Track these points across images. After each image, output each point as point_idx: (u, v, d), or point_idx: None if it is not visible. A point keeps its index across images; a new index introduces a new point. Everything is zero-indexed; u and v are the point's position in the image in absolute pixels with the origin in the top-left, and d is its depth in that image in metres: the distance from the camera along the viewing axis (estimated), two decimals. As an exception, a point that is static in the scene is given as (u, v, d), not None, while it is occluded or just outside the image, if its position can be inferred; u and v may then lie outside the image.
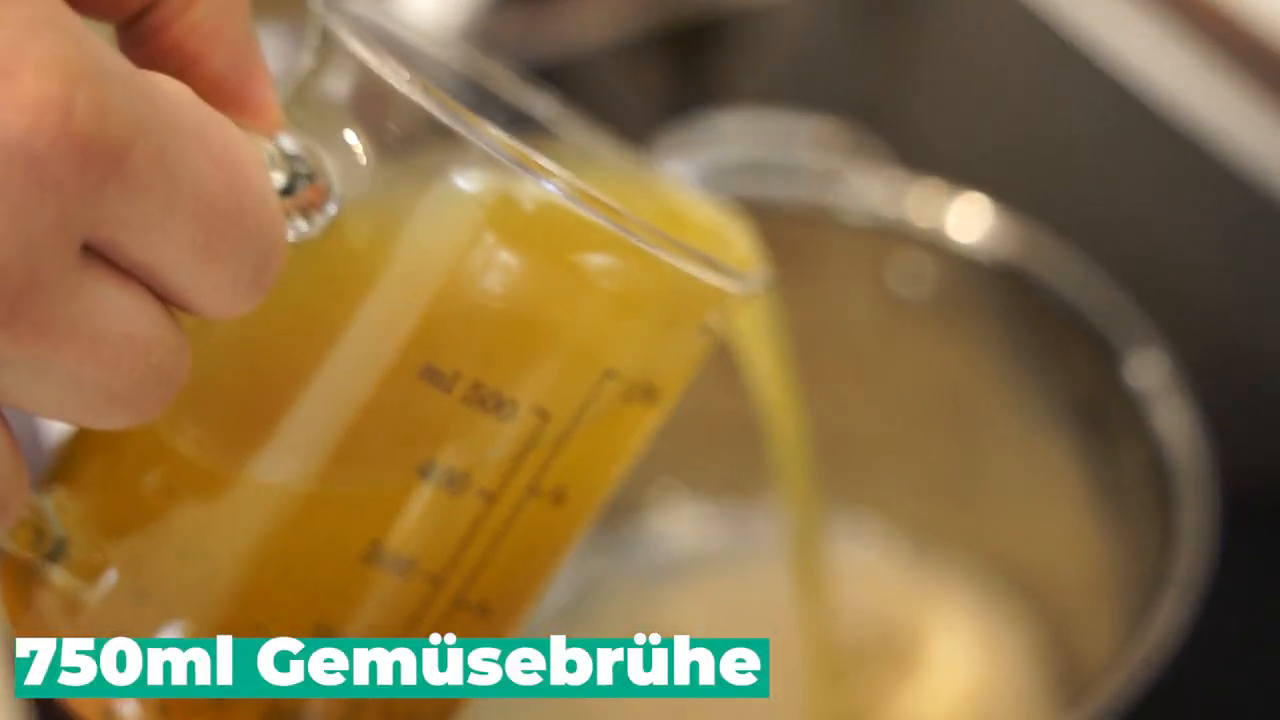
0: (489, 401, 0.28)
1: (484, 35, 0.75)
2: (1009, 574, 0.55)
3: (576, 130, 0.37)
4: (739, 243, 0.37)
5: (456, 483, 0.29)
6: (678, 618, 0.56)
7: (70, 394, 0.23)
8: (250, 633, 0.29)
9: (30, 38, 0.21)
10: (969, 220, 0.53)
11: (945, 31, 0.89)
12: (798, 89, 0.72)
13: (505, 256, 0.28)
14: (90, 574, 0.29)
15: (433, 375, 0.28)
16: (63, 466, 0.30)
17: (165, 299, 0.24)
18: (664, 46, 0.82)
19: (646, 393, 0.31)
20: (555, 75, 0.82)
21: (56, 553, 0.29)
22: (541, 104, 0.36)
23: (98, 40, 0.22)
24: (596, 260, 0.29)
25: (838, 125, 0.57)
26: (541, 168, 0.27)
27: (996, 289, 0.52)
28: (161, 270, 0.24)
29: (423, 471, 0.29)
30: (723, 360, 0.48)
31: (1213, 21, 0.81)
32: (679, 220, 0.37)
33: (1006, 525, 0.55)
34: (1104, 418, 0.49)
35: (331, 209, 0.28)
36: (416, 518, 0.29)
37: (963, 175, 0.55)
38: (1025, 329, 0.52)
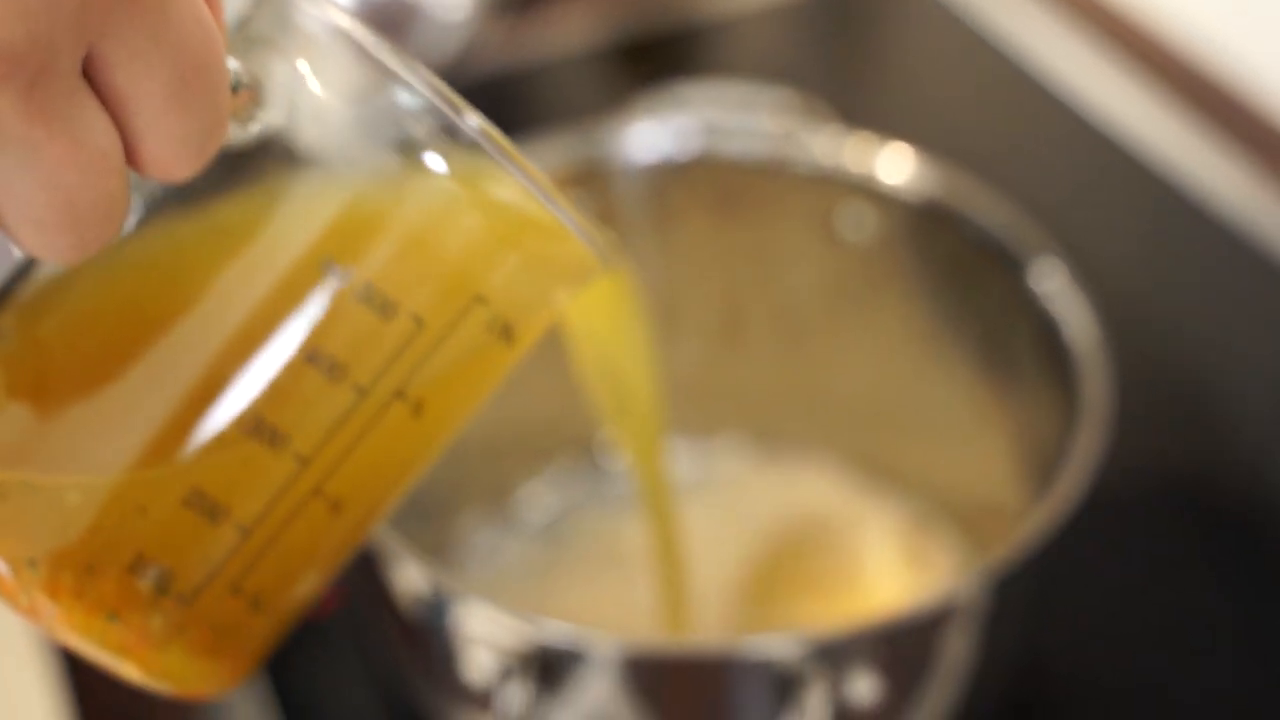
0: (376, 301, 0.32)
1: (474, 40, 0.80)
2: (934, 489, 0.59)
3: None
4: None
5: (336, 371, 0.32)
6: (639, 537, 0.61)
7: (39, 193, 0.26)
8: (127, 504, 0.31)
9: None
10: (899, 164, 0.56)
11: (894, 45, 0.95)
12: (756, 75, 0.77)
13: (421, 177, 0.31)
14: None
15: (331, 269, 0.31)
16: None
17: (127, 141, 0.27)
18: (632, 54, 0.86)
19: (506, 331, 0.34)
20: (533, 78, 0.87)
21: None
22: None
23: None
24: (497, 200, 0.32)
25: (791, 94, 0.62)
26: (462, 106, 0.31)
27: (922, 222, 0.55)
28: (134, 102, 0.27)
29: (310, 356, 0.32)
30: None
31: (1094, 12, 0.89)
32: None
33: (933, 446, 0.59)
34: (1011, 327, 0.53)
35: (257, 124, 0.31)
36: (297, 397, 0.32)
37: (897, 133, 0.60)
38: (946, 257, 0.55)
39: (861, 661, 0.43)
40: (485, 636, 0.43)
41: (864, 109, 0.75)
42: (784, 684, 0.42)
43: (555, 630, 0.42)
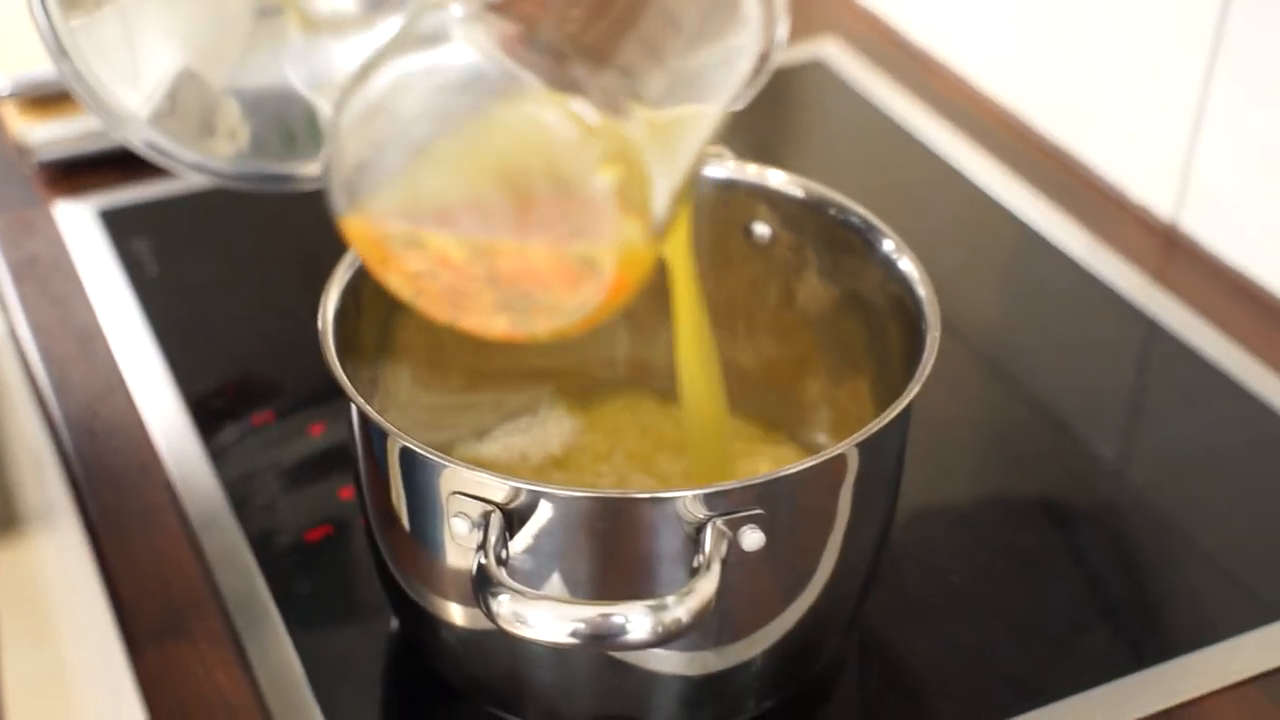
0: None
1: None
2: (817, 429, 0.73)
3: None
4: None
5: None
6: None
7: None
8: None
9: None
10: (791, 184, 0.70)
11: (805, 117, 1.10)
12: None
13: None
14: None
15: None
16: None
17: None
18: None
19: None
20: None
21: None
22: None
23: None
24: None
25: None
26: None
27: (811, 224, 0.70)
28: None
29: None
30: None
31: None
32: None
33: (817, 393, 0.73)
34: (870, 292, 0.67)
35: None
36: None
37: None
38: (825, 244, 0.70)
39: (749, 508, 0.56)
40: (465, 490, 0.56)
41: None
42: (687, 526, 0.55)
43: (518, 484, 0.55)
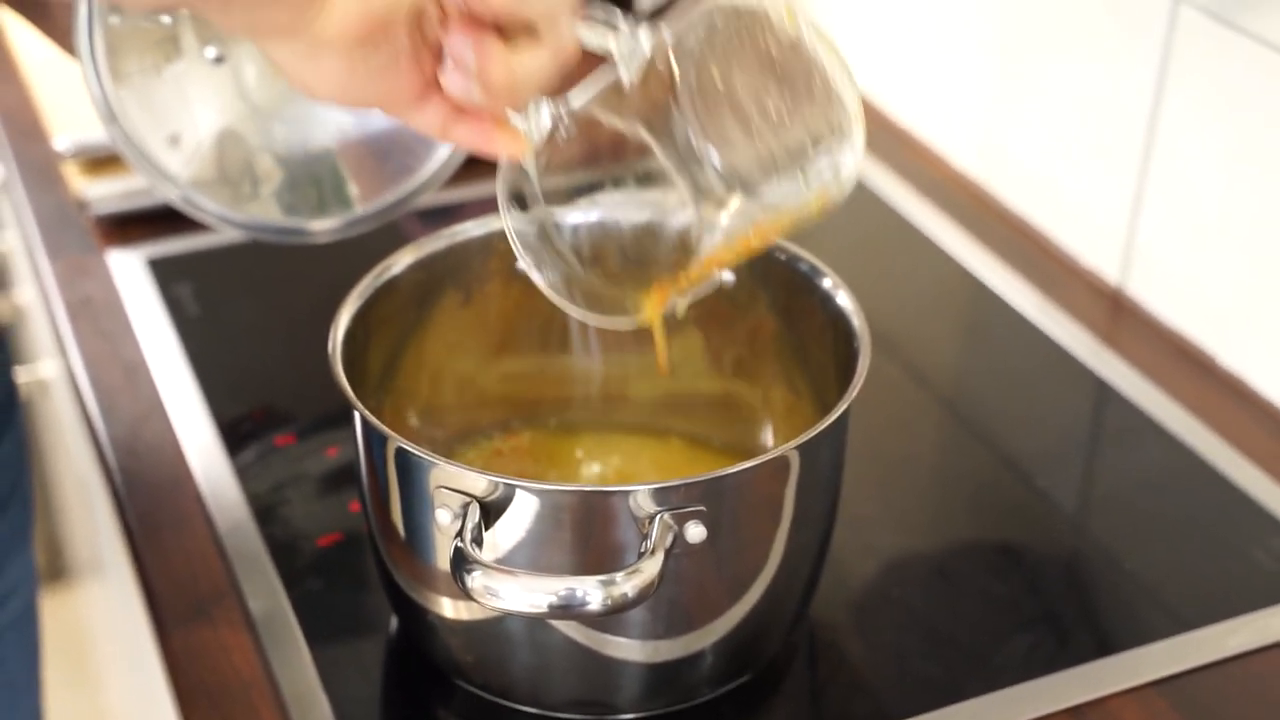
0: None
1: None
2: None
3: None
4: None
5: None
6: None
7: None
8: None
9: None
10: None
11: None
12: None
13: None
14: None
15: None
16: None
17: None
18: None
19: None
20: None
21: None
22: None
23: None
24: None
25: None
26: None
27: (767, 269, 0.78)
28: None
29: None
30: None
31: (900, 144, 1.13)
32: None
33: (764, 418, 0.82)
34: (815, 328, 0.76)
35: None
36: None
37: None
38: (782, 290, 0.78)
39: (694, 505, 0.64)
40: (449, 484, 0.65)
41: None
42: (639, 519, 0.64)
43: (494, 478, 0.64)
